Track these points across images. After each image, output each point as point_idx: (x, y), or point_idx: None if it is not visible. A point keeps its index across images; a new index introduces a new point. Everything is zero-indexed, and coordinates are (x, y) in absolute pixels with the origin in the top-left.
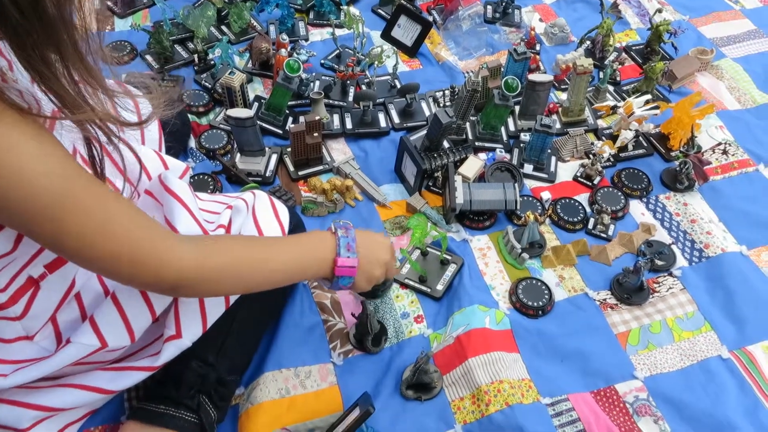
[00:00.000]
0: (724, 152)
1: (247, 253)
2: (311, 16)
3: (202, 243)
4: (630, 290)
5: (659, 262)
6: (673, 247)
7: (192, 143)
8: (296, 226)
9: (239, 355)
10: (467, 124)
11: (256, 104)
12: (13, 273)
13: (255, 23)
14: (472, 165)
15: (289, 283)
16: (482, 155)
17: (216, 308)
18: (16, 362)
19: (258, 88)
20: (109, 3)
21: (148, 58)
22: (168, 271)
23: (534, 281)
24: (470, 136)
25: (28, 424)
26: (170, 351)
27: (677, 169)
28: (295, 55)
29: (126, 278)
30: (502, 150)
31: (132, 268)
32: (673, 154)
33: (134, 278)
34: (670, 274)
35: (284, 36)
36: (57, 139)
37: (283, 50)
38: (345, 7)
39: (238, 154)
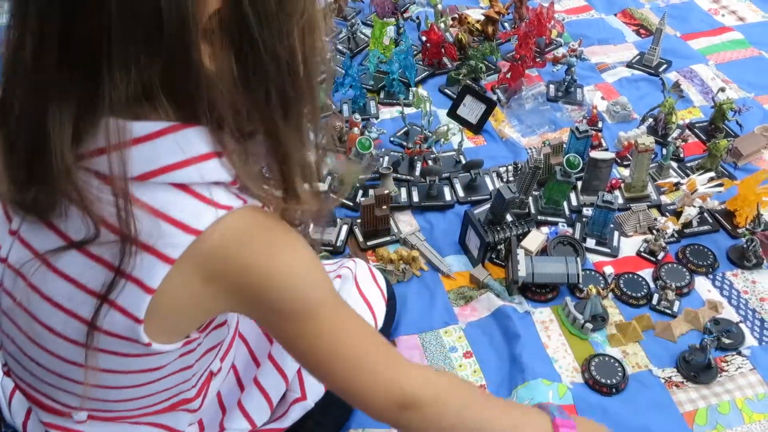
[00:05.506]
0: None
1: (475, 406)
2: (382, 95)
3: (435, 377)
4: (697, 368)
5: (726, 341)
6: (742, 325)
7: None
8: (389, 295)
9: (339, 410)
10: (530, 198)
11: (329, 178)
12: (203, 369)
13: (330, 103)
14: (535, 239)
15: None
16: (545, 229)
17: None
18: None
19: (331, 163)
20: None
21: None
22: (398, 391)
23: (606, 358)
24: (533, 210)
25: None
26: (296, 412)
27: (744, 246)
28: (366, 133)
29: (357, 398)
30: (565, 224)
31: (364, 387)
32: (739, 230)
33: (369, 403)
34: (739, 353)
35: (357, 116)
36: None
37: (355, 129)
38: (414, 88)
39: (312, 224)
